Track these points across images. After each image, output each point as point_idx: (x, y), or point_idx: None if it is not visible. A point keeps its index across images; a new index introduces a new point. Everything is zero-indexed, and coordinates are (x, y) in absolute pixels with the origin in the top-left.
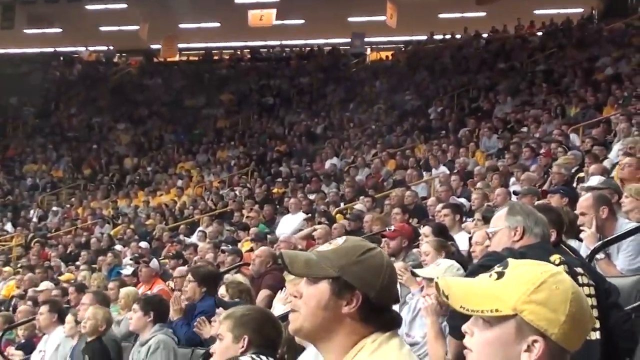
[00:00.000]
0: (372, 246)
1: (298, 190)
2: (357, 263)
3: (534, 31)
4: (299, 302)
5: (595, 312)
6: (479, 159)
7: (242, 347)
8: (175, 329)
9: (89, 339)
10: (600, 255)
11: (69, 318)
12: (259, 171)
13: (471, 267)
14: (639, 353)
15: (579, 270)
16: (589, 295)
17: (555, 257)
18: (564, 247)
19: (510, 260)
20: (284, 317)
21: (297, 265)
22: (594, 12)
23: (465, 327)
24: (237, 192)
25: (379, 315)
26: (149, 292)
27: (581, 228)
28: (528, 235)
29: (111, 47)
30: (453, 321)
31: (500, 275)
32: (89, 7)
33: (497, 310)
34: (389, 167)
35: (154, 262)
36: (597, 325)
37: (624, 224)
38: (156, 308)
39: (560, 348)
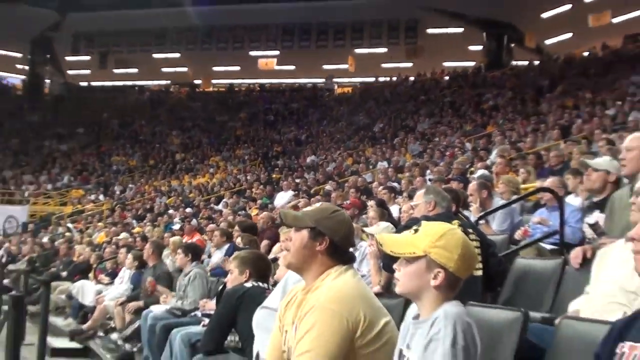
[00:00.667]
0: (338, 208)
1: (289, 176)
2: (328, 218)
3: (443, 76)
4: (289, 244)
5: (479, 258)
6: (407, 158)
7: (245, 277)
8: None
9: (151, 264)
10: (481, 221)
11: (130, 256)
12: (263, 164)
13: (400, 227)
14: (506, 285)
15: (470, 230)
16: (476, 247)
17: (455, 222)
18: (461, 215)
19: (423, 222)
20: (275, 259)
21: (288, 219)
22: (481, 65)
23: (395, 265)
24: (248, 177)
25: (341, 254)
26: (190, 241)
27: (470, 203)
28: (438, 207)
29: (169, 82)
30: (385, 260)
31: (416, 231)
32: (154, 55)
33: (414, 253)
34: (348, 162)
35: (194, 221)
36: (480, 266)
37: (498, 201)
38: (193, 251)
39: (455, 277)
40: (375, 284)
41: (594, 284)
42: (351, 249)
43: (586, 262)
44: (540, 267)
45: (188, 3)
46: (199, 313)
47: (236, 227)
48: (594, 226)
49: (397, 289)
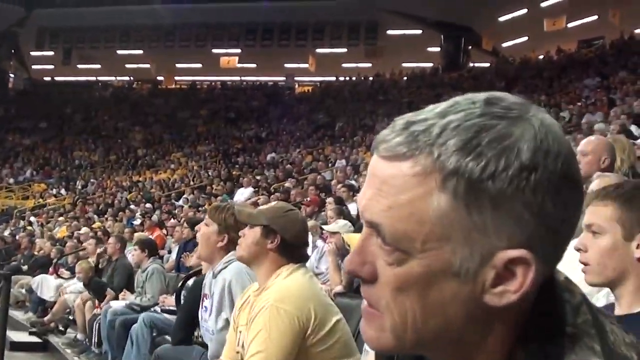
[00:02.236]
0: (293, 208)
1: (248, 173)
2: (281, 217)
3: (401, 77)
4: (242, 239)
5: None
6: (366, 157)
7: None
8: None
9: (114, 258)
10: None
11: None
12: (224, 160)
13: (359, 225)
14: None
15: None
16: None
17: None
18: None
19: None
20: None
21: (242, 216)
22: (439, 66)
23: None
24: (209, 173)
25: (293, 252)
26: (150, 236)
27: None
28: None
29: (132, 78)
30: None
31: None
32: (118, 51)
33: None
34: (308, 160)
35: (154, 217)
36: None
37: None
38: (149, 247)
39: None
40: (334, 282)
41: None
42: (304, 248)
43: None
44: None
45: (153, 1)
46: (158, 309)
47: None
48: None
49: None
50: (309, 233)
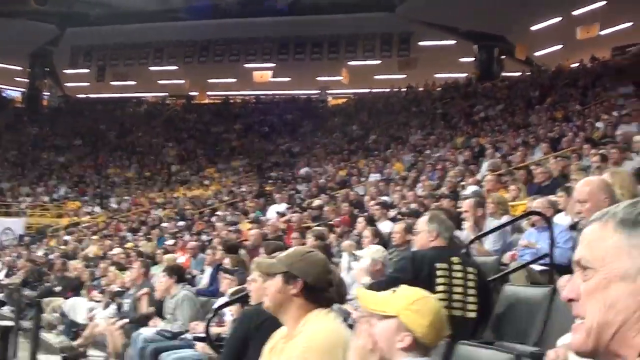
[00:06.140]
0: (311, 250)
1: (282, 188)
2: (300, 260)
3: (435, 88)
4: (267, 290)
5: (473, 292)
6: (398, 169)
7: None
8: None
9: (138, 282)
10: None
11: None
12: (257, 175)
13: (387, 277)
14: (494, 313)
15: (470, 269)
16: (472, 280)
17: (456, 259)
18: (455, 239)
19: (402, 286)
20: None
21: (262, 267)
22: (473, 76)
23: (369, 319)
24: (243, 189)
25: (319, 296)
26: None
27: (464, 221)
28: (440, 238)
29: (166, 94)
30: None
31: (395, 291)
32: (151, 68)
33: (386, 312)
34: (341, 174)
35: (186, 237)
36: (472, 307)
37: (490, 220)
38: (177, 273)
39: (422, 343)
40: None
41: None
42: (329, 289)
43: None
44: (528, 295)
45: (185, 17)
46: (189, 335)
47: (219, 247)
48: None
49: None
50: (345, 253)
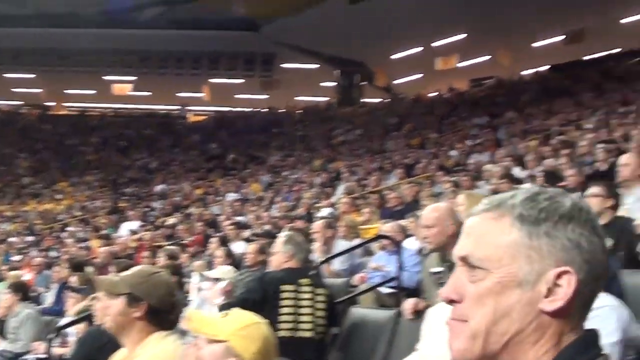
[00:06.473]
0: (157, 270)
1: (136, 205)
2: (144, 282)
3: (296, 110)
4: (108, 309)
5: (322, 313)
6: (254, 189)
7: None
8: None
9: None
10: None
11: None
12: (112, 191)
13: (236, 298)
14: (340, 335)
15: (320, 291)
16: (321, 302)
17: (306, 280)
18: (312, 271)
19: (235, 309)
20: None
21: (104, 285)
22: (333, 100)
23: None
24: (96, 204)
25: (162, 319)
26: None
27: (314, 242)
28: (294, 260)
29: (21, 102)
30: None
31: (226, 315)
32: (5, 75)
33: (216, 336)
34: (198, 192)
35: (33, 253)
36: (321, 329)
37: (340, 241)
38: (22, 290)
39: None
40: None
41: (425, 342)
42: (174, 312)
43: (419, 314)
44: (375, 317)
45: (43, 25)
46: (30, 356)
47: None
48: (437, 274)
49: None
50: (196, 274)
